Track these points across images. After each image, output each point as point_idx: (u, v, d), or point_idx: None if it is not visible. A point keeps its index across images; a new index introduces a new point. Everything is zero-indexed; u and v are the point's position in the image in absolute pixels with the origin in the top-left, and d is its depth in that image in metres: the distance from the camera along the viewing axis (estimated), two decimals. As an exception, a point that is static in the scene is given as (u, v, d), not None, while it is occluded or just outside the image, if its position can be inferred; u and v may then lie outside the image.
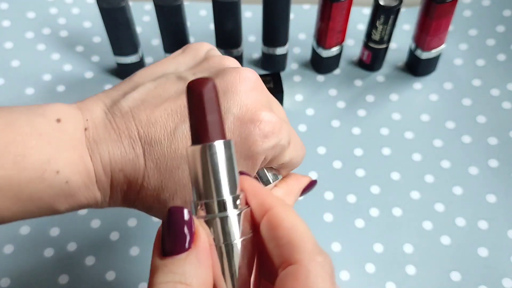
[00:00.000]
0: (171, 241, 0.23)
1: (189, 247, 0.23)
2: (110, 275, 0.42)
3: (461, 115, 0.50)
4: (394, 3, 0.47)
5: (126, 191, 0.29)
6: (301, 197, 0.36)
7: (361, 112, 0.51)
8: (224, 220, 0.24)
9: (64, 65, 0.54)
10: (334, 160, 0.48)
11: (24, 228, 0.44)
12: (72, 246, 0.43)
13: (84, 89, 0.52)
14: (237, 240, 0.24)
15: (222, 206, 0.24)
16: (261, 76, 0.50)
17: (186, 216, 0.23)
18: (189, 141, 0.25)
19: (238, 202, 0.24)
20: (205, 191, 0.24)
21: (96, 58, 0.55)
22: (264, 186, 0.31)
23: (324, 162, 0.48)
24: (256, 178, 0.31)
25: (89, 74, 0.54)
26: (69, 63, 0.54)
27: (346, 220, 0.45)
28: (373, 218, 0.45)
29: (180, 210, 0.23)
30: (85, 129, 0.28)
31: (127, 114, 0.29)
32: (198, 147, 0.23)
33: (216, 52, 0.34)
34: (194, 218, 0.24)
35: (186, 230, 0.23)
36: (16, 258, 0.43)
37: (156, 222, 0.44)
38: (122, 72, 0.53)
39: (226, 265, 0.24)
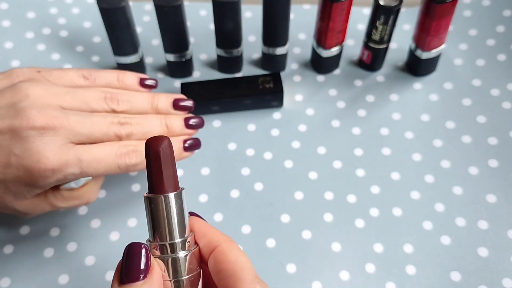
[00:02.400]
0: (129, 271, 0.26)
1: (145, 277, 0.26)
2: (110, 275, 0.42)
3: (461, 115, 0.50)
4: (394, 3, 0.47)
5: None
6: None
7: (361, 112, 0.51)
8: (174, 260, 0.28)
9: (64, 65, 0.54)
10: (334, 160, 0.48)
11: (24, 228, 0.44)
12: (72, 246, 0.43)
13: (84, 89, 0.52)
14: (184, 277, 0.28)
15: (173, 248, 0.28)
16: (261, 76, 0.51)
17: (143, 251, 0.27)
18: None
19: (187, 243, 0.28)
20: (159, 234, 0.28)
21: (96, 58, 0.55)
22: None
23: (324, 162, 0.48)
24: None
25: (89, 74, 0.54)
26: (69, 63, 0.54)
27: (346, 220, 0.45)
28: (373, 218, 0.45)
29: (139, 245, 0.27)
30: None
31: None
32: (154, 197, 0.27)
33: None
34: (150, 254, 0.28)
35: (143, 262, 0.26)
36: (16, 258, 0.43)
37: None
38: (122, 72, 0.53)
39: None
